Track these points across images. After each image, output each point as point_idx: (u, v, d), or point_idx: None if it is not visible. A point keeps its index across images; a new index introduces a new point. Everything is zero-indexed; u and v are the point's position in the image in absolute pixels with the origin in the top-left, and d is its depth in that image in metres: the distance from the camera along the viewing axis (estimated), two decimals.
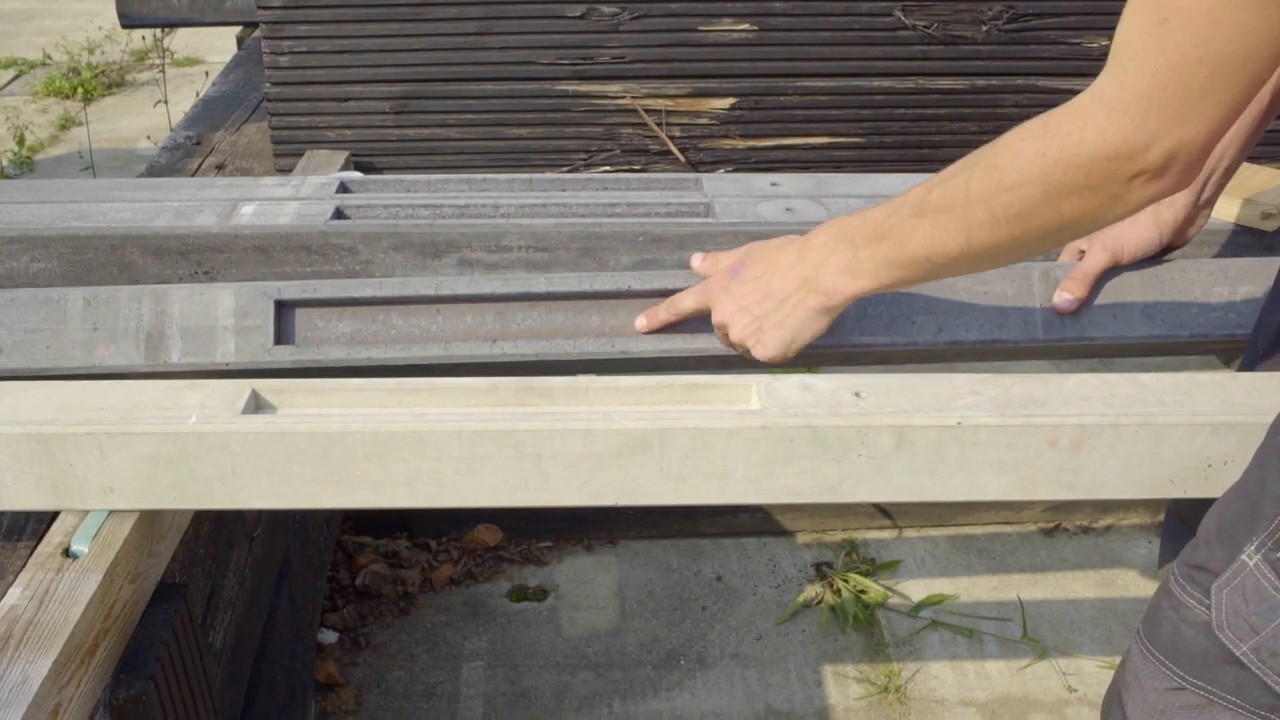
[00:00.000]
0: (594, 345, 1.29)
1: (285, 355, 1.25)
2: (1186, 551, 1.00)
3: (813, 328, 1.15)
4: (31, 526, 1.10)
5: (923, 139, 2.23)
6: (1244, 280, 1.36)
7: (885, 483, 1.09)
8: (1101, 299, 1.32)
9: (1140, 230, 1.33)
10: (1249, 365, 1.24)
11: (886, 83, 2.18)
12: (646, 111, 2.18)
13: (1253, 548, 0.93)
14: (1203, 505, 1.08)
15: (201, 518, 1.37)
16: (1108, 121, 0.85)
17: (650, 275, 1.34)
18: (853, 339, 1.29)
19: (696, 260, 1.26)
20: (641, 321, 1.27)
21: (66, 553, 1.04)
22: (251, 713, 1.58)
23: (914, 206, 1.02)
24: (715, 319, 1.21)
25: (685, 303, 1.24)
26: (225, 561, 1.52)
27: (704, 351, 1.28)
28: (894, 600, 2.30)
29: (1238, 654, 0.95)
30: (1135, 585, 2.35)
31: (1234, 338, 1.34)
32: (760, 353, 1.17)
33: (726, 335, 1.20)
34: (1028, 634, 2.22)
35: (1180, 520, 1.34)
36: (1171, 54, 0.81)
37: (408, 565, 2.36)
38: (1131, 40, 0.84)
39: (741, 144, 2.23)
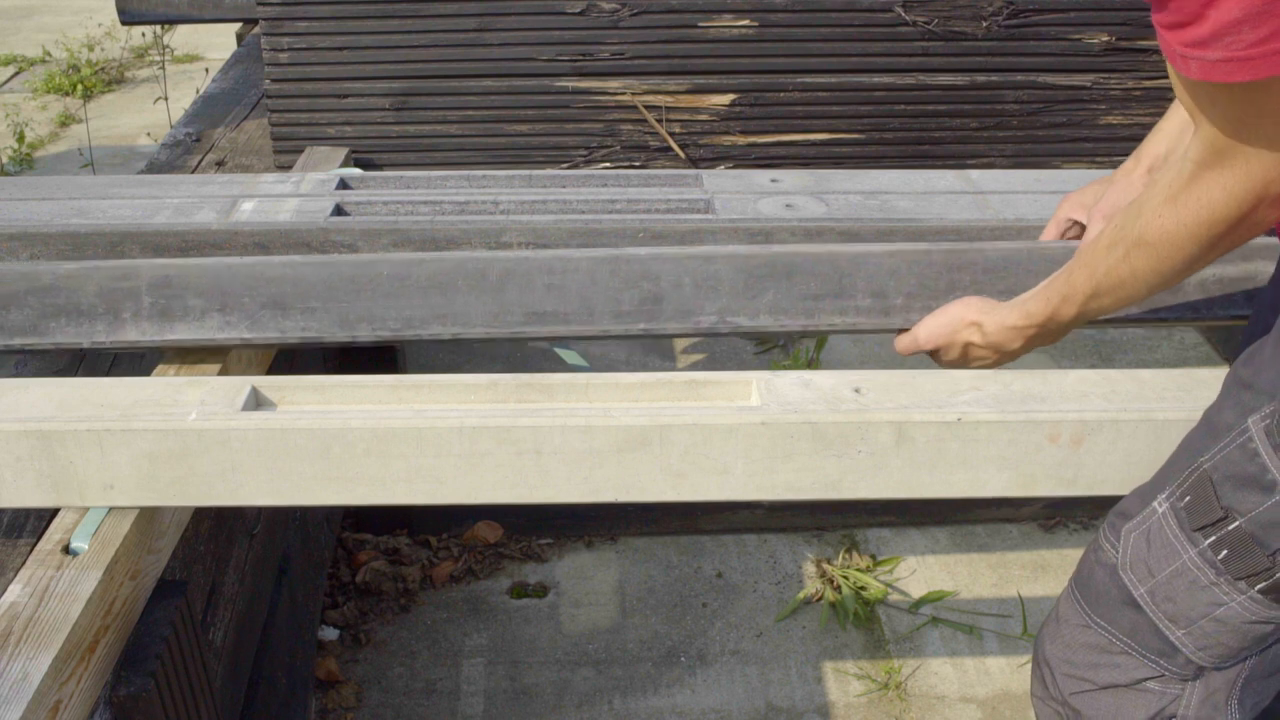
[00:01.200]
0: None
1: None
2: (1119, 503, 1.09)
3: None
4: (32, 524, 1.10)
5: (923, 135, 2.23)
6: (1234, 260, 1.38)
7: (885, 479, 1.09)
8: None
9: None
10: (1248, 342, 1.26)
11: (887, 79, 2.18)
12: (646, 108, 2.18)
13: (1164, 495, 1.02)
14: None
15: (202, 514, 1.37)
16: (1230, 181, 0.95)
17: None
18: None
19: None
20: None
21: (66, 550, 1.04)
22: (252, 709, 1.58)
23: (1086, 293, 1.13)
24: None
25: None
26: (225, 558, 1.52)
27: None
28: (894, 597, 2.30)
29: (1135, 595, 1.03)
30: None
31: (1219, 318, 1.35)
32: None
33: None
34: (1028, 630, 2.22)
35: None
36: (1229, 111, 0.91)
37: (408, 562, 2.36)
38: (1223, 132, 0.93)
39: (742, 140, 2.23)
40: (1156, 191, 1.04)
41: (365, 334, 1.25)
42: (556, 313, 1.28)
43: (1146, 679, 1.05)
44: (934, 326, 1.30)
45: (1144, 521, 1.03)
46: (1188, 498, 0.99)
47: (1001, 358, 1.27)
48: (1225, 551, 0.97)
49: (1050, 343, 1.24)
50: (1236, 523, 0.96)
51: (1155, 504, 1.03)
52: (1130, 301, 1.13)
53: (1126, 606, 1.04)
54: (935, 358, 1.34)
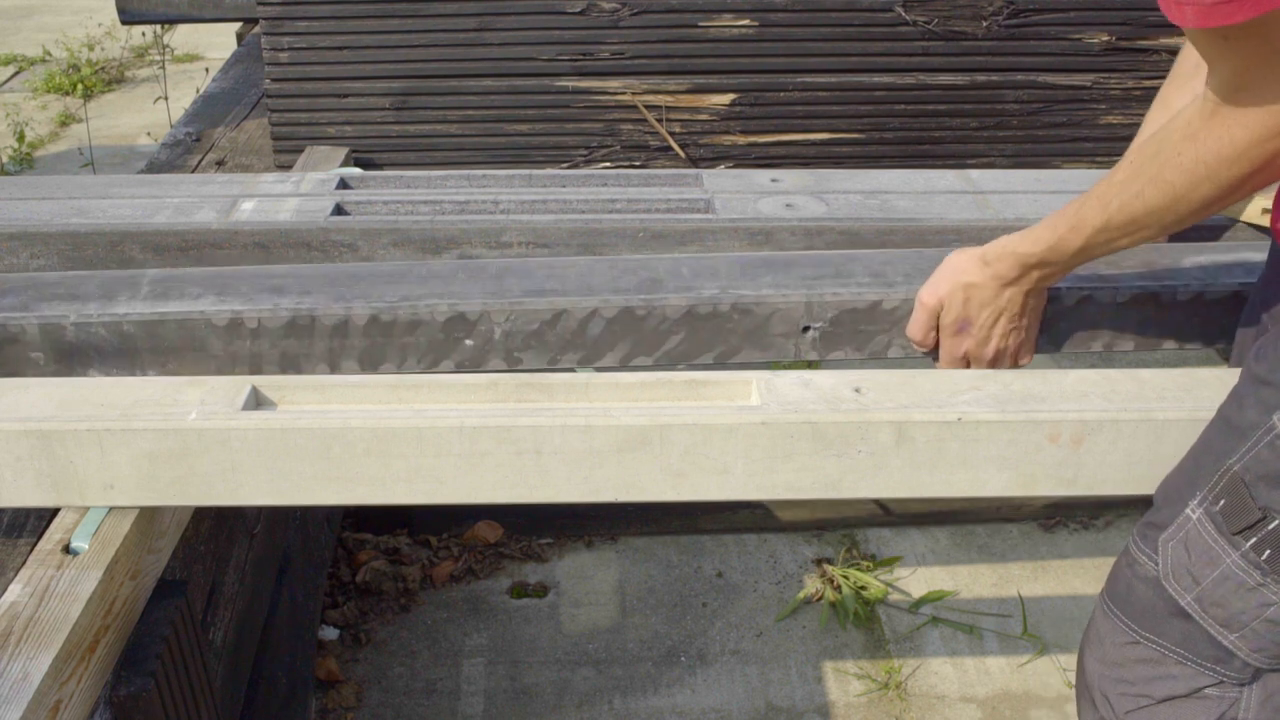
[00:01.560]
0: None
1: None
2: (1143, 513, 1.07)
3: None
4: (32, 523, 1.10)
5: (923, 134, 2.23)
6: (1219, 252, 1.40)
7: (885, 479, 1.09)
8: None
9: None
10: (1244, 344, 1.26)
11: (887, 78, 2.18)
12: (647, 107, 2.18)
13: (1195, 502, 1.00)
14: None
15: (202, 514, 1.37)
16: (1250, 118, 0.94)
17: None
18: None
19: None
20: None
21: (67, 549, 1.04)
22: (252, 709, 1.58)
23: (1097, 223, 1.11)
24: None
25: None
26: (226, 558, 1.52)
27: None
28: (894, 596, 2.30)
29: (1182, 604, 1.01)
30: None
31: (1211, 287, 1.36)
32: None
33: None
34: (1028, 630, 2.22)
35: None
36: (1242, 50, 0.90)
37: (408, 562, 2.36)
38: (1241, 73, 0.92)
39: (742, 140, 2.23)
40: (1175, 128, 1.02)
41: (361, 308, 1.25)
42: (555, 290, 1.29)
43: (1205, 687, 1.03)
44: (934, 279, 1.27)
45: (1179, 530, 1.01)
46: (1222, 501, 0.97)
47: (1005, 313, 1.24)
48: (1269, 551, 0.95)
49: (1051, 281, 1.23)
50: (1276, 521, 0.94)
51: (1188, 511, 1.01)
52: (1139, 238, 1.11)
53: (1175, 617, 1.02)
54: (941, 333, 1.29)
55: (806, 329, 1.30)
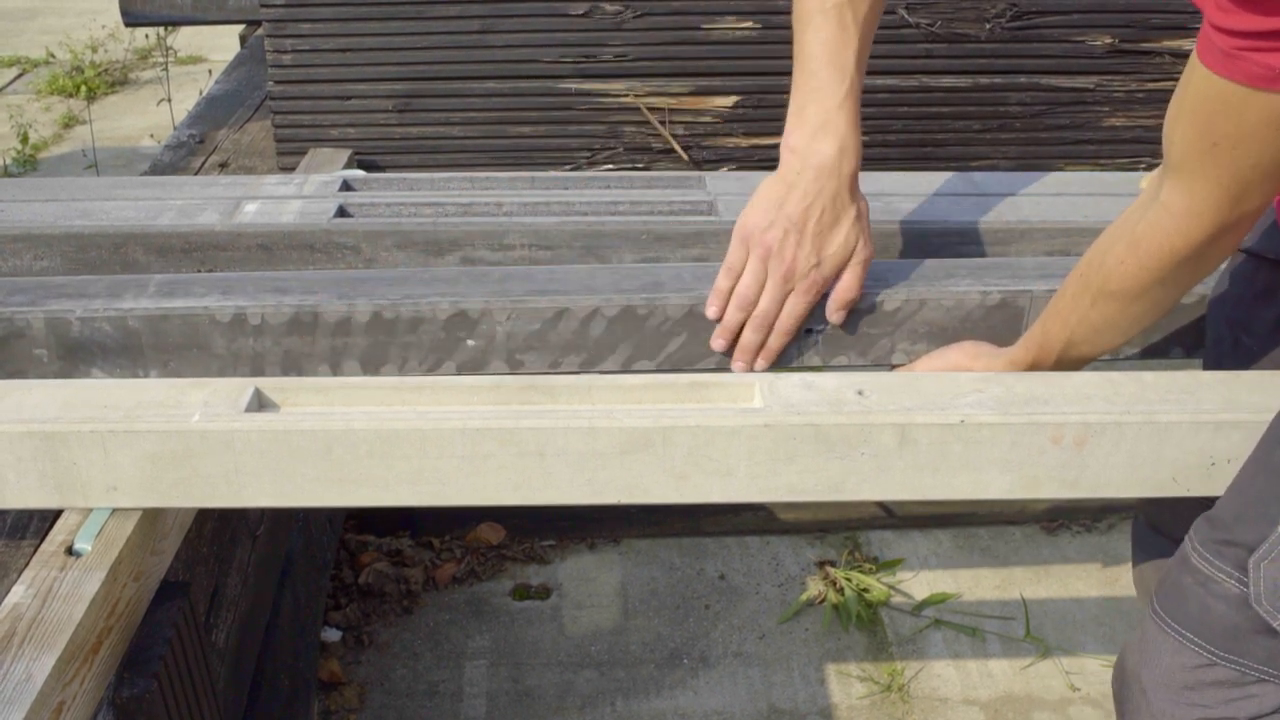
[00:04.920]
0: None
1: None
2: (1205, 530, 1.01)
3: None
4: (35, 525, 1.10)
5: (926, 137, 2.23)
6: None
7: (888, 481, 1.09)
8: None
9: None
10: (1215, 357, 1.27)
11: (890, 80, 2.18)
12: (649, 109, 2.18)
13: None
14: (1173, 512, 1.09)
15: (205, 516, 1.37)
16: (1190, 227, 0.98)
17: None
18: None
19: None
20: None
21: (70, 551, 1.04)
22: (254, 711, 1.58)
23: (1059, 342, 1.14)
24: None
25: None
26: (228, 560, 1.52)
27: None
28: (897, 599, 2.30)
29: (1274, 625, 0.95)
30: None
31: None
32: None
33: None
34: (1031, 633, 2.21)
35: (1151, 528, 1.36)
36: (1227, 168, 0.93)
37: (411, 564, 2.36)
38: (1188, 159, 0.96)
39: (745, 142, 2.23)
40: (1119, 232, 1.04)
41: (364, 305, 1.25)
42: (558, 290, 1.29)
43: None
44: (931, 370, 1.27)
45: (1274, 548, 0.96)
46: None
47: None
48: None
49: None
50: None
51: None
52: (1117, 344, 1.13)
53: (1261, 635, 0.97)
54: None
55: (809, 331, 1.30)
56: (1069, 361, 1.17)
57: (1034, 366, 1.18)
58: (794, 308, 1.24)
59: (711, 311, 1.25)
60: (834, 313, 1.26)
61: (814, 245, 1.22)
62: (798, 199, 1.21)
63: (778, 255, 1.21)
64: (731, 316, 1.24)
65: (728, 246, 1.28)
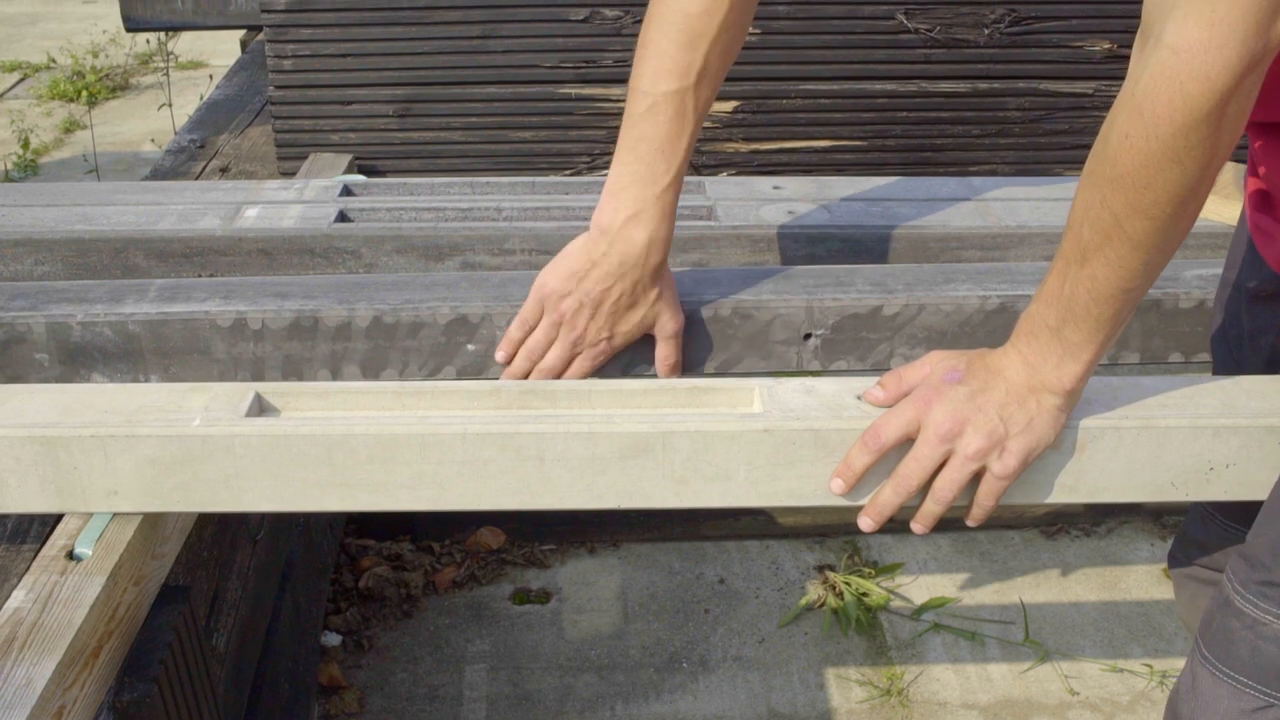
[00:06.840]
0: None
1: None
2: (1245, 571, 1.00)
3: (1056, 427, 1.03)
4: (36, 529, 1.10)
5: (925, 142, 2.23)
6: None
7: None
8: None
9: None
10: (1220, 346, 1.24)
11: (889, 86, 2.19)
12: None
13: None
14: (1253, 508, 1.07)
15: (205, 520, 1.38)
16: (1208, 64, 0.82)
17: None
18: None
19: (879, 393, 1.08)
20: (839, 485, 1.06)
21: (70, 555, 1.05)
22: (254, 715, 1.58)
23: (1075, 259, 0.95)
24: (941, 429, 1.02)
25: (890, 432, 1.03)
26: (229, 564, 1.52)
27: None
28: (896, 603, 2.30)
29: None
30: (1137, 588, 2.35)
31: None
32: (1006, 463, 1.03)
33: (953, 449, 1.03)
34: (1030, 637, 2.21)
35: (1224, 518, 1.30)
36: None
37: (411, 568, 2.36)
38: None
39: (744, 147, 2.23)
40: (1117, 107, 0.88)
41: (364, 310, 1.26)
42: None
43: None
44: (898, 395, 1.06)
45: None
46: None
47: (1002, 422, 1.01)
48: None
49: (1067, 373, 1.01)
50: None
51: None
52: (1133, 268, 0.93)
53: None
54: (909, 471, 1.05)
55: (808, 336, 1.30)
56: (1080, 298, 0.96)
57: (1050, 313, 0.99)
58: (578, 368, 1.25)
59: (500, 356, 1.26)
60: (662, 377, 1.27)
61: (608, 321, 1.23)
62: (598, 278, 1.20)
63: (569, 324, 1.22)
64: (518, 365, 1.25)
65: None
